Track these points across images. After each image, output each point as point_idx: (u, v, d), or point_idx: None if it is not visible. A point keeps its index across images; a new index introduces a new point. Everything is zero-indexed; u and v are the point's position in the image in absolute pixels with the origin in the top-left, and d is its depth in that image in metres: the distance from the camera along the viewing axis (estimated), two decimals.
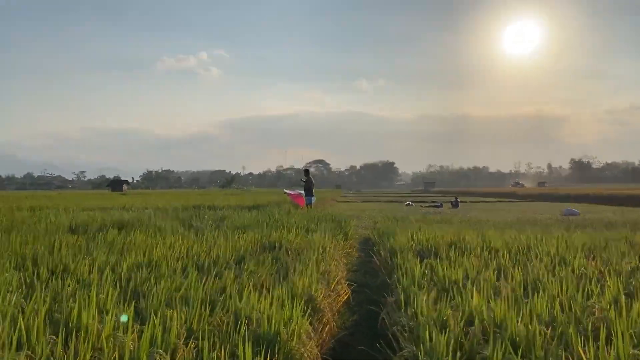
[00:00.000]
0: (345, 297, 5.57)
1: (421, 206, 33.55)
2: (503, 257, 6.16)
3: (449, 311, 3.57)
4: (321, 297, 4.40)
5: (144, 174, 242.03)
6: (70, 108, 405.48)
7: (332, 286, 5.18)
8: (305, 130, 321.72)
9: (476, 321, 3.36)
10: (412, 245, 7.24)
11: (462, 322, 3.42)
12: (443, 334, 3.04)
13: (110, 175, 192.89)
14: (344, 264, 7.27)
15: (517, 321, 3.25)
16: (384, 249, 7.30)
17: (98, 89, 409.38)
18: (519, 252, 6.69)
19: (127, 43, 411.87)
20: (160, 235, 7.51)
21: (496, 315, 3.46)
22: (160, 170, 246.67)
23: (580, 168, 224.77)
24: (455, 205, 31.89)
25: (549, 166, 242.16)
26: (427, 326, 3.14)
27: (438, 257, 6.13)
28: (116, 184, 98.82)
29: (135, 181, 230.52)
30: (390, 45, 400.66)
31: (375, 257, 7.34)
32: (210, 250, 6.21)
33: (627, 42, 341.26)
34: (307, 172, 20.71)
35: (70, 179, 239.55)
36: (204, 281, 4.32)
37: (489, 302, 3.77)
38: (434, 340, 2.98)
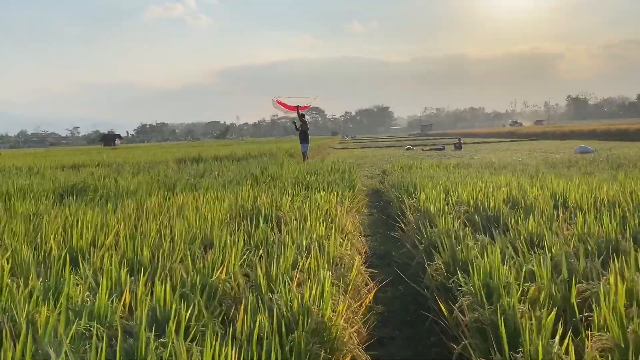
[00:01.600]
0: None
1: (422, 149, 32.36)
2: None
3: None
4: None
5: (138, 127, 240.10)
6: (60, 62, 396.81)
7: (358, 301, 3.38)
8: (298, 77, 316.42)
9: None
10: (452, 205, 5.44)
11: None
12: None
13: (105, 130, 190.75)
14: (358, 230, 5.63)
15: None
16: (414, 210, 5.55)
17: (87, 41, 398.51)
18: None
19: None
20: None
21: None
22: (154, 124, 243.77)
23: (577, 105, 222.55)
24: (458, 147, 30.75)
25: (546, 104, 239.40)
26: None
27: (507, 229, 4.27)
28: (109, 139, 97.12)
29: (129, 135, 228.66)
30: None
31: (402, 222, 5.49)
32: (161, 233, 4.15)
33: None
34: (302, 116, 18.29)
35: (64, 135, 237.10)
36: None
37: None
38: None
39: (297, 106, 16.76)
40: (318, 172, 8.09)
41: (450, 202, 5.66)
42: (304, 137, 17.70)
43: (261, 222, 4.45)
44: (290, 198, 5.76)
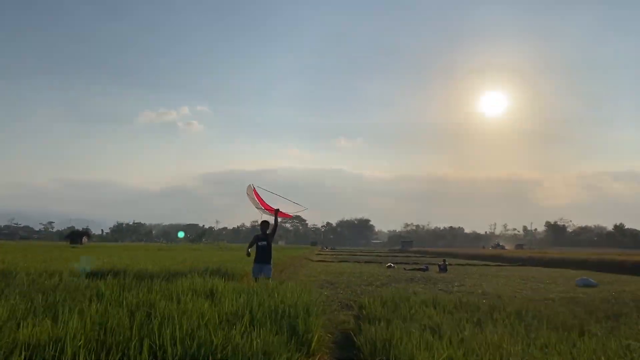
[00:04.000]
0: None
1: (405, 269, 29.77)
2: None
3: None
4: None
5: (114, 226, 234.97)
6: (42, 159, 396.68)
7: None
8: (282, 185, 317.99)
9: None
10: None
11: None
12: None
13: (80, 227, 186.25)
14: None
15: None
16: None
17: (74, 140, 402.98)
18: None
19: (107, 97, 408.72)
20: None
21: None
22: (131, 223, 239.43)
23: (556, 231, 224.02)
24: (443, 269, 28.23)
25: (525, 228, 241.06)
26: None
27: None
28: (75, 236, 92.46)
29: (104, 233, 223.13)
30: (369, 106, 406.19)
31: None
32: None
33: (589, 111, 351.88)
34: (264, 224, 12.38)
35: (38, 229, 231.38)
36: None
37: None
38: None
39: (277, 210, 12.23)
40: (255, 316, 4.83)
41: None
42: (267, 255, 11.74)
43: None
44: None
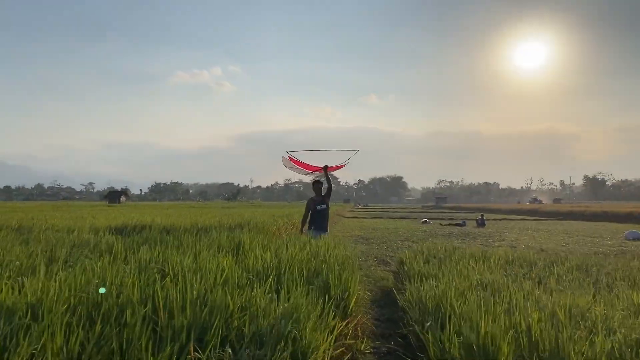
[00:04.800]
0: None
1: (441, 224, 29.01)
2: None
3: None
4: None
5: (152, 186, 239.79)
6: (82, 121, 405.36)
7: None
8: (314, 144, 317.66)
9: None
10: None
11: None
12: None
13: (119, 187, 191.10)
14: None
15: None
16: None
17: (111, 101, 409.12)
18: None
19: (142, 58, 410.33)
20: None
21: None
22: (168, 183, 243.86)
23: (594, 185, 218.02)
24: (481, 223, 27.37)
25: (562, 183, 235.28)
26: None
27: None
28: (113, 196, 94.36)
29: (142, 193, 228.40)
30: (401, 61, 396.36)
31: None
32: None
33: (633, 62, 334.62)
34: (317, 185, 10.27)
35: (79, 190, 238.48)
36: None
37: None
38: None
39: (325, 166, 10.44)
40: (286, 269, 4.31)
41: None
42: (326, 220, 9.97)
43: None
44: None
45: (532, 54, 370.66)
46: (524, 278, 4.94)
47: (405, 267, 5.81)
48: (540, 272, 5.31)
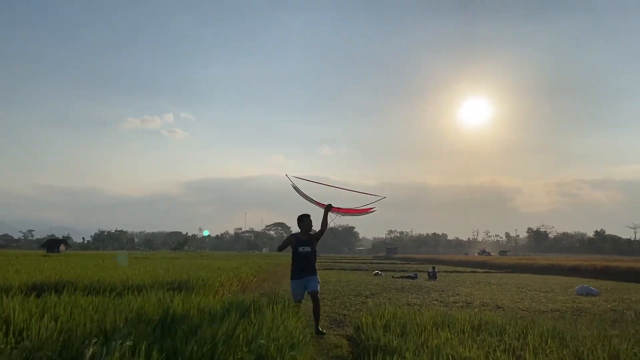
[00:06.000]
0: None
1: (393, 276, 28.52)
2: None
3: None
4: None
5: (95, 234, 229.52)
6: (25, 165, 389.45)
7: None
8: (266, 193, 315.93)
9: None
10: None
11: None
12: None
13: (61, 235, 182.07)
14: None
15: None
16: None
17: (57, 146, 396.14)
18: None
19: (92, 103, 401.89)
20: None
21: None
22: (113, 231, 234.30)
23: (538, 237, 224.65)
24: (432, 276, 27.05)
25: (507, 235, 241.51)
26: None
27: None
28: (52, 244, 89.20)
29: (85, 241, 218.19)
30: (352, 115, 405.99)
31: None
32: None
33: (567, 122, 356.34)
34: (304, 221, 8.74)
35: (17, 237, 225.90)
36: None
37: None
38: None
39: (329, 205, 8.55)
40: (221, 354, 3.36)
41: None
42: (312, 264, 8.62)
43: None
44: None
45: (477, 111, 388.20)
46: (497, 350, 4.35)
47: (363, 336, 5.11)
48: (512, 341, 4.75)
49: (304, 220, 8.37)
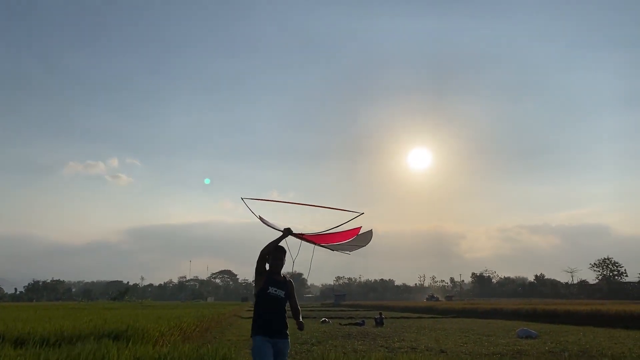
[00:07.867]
0: None
1: (340, 324, 28.36)
2: None
3: None
4: None
5: (29, 284, 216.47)
6: None
7: None
8: (212, 240, 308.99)
9: None
10: None
11: None
12: None
13: None
14: None
15: None
16: None
17: None
18: None
19: (30, 147, 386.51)
20: None
21: None
22: (48, 281, 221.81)
23: (482, 282, 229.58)
24: (379, 322, 27.07)
25: (452, 280, 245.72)
26: None
27: None
28: None
29: (18, 292, 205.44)
30: (299, 161, 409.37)
31: None
32: None
33: (507, 169, 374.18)
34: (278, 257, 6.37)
35: None
36: None
37: None
38: None
39: (288, 229, 6.50)
40: None
41: None
42: (283, 318, 6.28)
43: None
44: None
45: (420, 159, 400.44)
46: None
47: None
48: None
49: (275, 258, 6.23)
